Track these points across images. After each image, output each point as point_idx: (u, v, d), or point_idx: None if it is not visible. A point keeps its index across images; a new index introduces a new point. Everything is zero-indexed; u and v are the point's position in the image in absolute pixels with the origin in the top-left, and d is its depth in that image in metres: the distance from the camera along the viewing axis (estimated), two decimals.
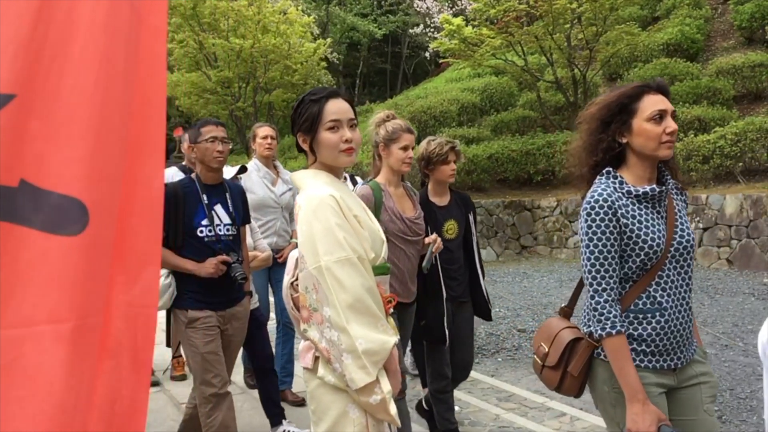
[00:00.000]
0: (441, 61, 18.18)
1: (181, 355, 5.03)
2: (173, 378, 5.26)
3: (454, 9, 24.22)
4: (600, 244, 2.04)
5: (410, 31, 28.56)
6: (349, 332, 1.88)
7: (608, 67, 15.21)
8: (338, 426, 1.96)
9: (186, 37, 16.04)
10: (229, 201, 3.34)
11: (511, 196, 12.84)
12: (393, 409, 1.94)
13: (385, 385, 1.94)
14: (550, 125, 14.52)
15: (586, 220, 2.06)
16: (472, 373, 4.96)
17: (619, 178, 2.11)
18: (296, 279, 2.03)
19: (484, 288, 3.83)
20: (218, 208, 3.28)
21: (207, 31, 16.35)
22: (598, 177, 2.14)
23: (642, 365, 2.06)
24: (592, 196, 2.06)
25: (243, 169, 4.08)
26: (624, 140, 2.11)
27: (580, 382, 2.21)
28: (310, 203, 1.98)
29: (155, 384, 5.11)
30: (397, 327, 3.22)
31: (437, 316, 3.57)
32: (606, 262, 2.04)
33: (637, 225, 2.06)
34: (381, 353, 1.92)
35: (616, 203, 2.05)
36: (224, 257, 3.18)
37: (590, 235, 2.05)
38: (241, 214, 3.42)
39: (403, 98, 20.64)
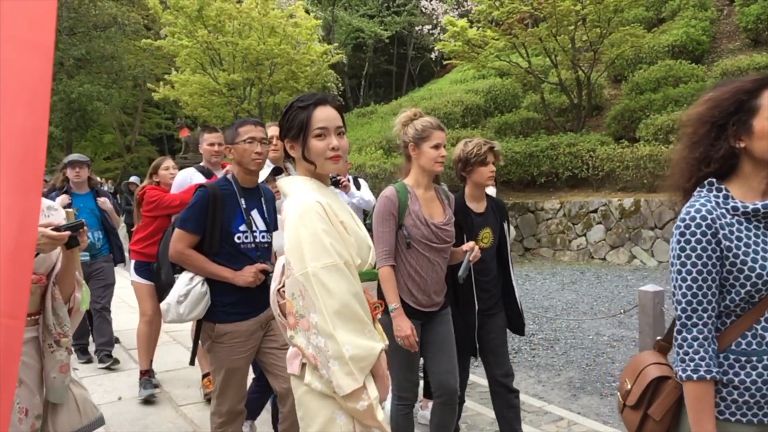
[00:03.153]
0: (446, 62, 18.17)
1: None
2: (206, 396, 4.80)
3: (459, 10, 24.22)
4: (694, 270, 1.73)
5: (416, 28, 28.57)
6: (336, 338, 1.88)
7: (613, 69, 15.18)
8: None
9: (196, 37, 16.06)
10: (264, 206, 3.16)
11: (514, 198, 12.83)
12: (380, 415, 1.94)
13: (372, 392, 1.93)
14: (554, 127, 14.51)
15: (679, 241, 1.75)
16: (471, 377, 4.97)
17: (724, 192, 1.79)
18: (283, 286, 2.04)
19: (518, 301, 3.62)
20: (254, 213, 3.09)
21: (212, 32, 16.39)
22: (697, 189, 1.82)
23: (744, 419, 1.74)
24: (688, 213, 1.75)
25: (278, 171, 3.81)
26: (741, 145, 1.77)
27: (664, 429, 1.89)
28: (297, 209, 1.98)
29: (155, 386, 5.12)
30: (427, 334, 3.14)
31: (467, 328, 3.40)
32: (700, 293, 1.73)
33: (743, 249, 1.72)
34: (368, 359, 1.92)
35: (718, 222, 1.74)
36: (263, 266, 3.01)
37: (683, 259, 1.74)
38: (273, 221, 3.25)
39: (408, 99, 20.67)
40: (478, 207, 3.48)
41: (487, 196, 3.58)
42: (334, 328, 1.88)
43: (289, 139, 2.12)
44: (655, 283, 6.90)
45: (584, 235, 11.70)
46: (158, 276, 3.47)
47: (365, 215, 5.52)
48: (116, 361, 5.66)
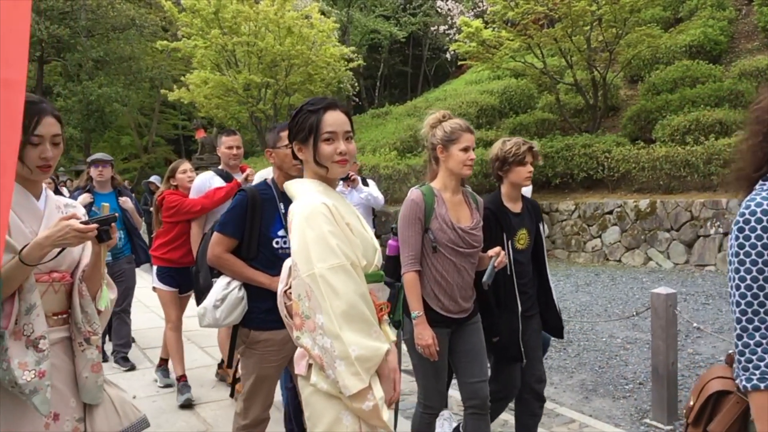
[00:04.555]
0: (460, 63, 18.15)
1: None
2: None
3: (475, 10, 24.18)
4: (755, 269, 1.59)
5: (431, 29, 28.56)
6: (342, 339, 1.90)
7: (629, 69, 15.08)
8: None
9: (211, 37, 16.18)
10: None
11: None
12: (386, 415, 1.96)
13: (378, 392, 1.95)
14: (569, 128, 14.44)
15: (738, 237, 1.62)
16: None
17: None
18: (289, 287, 2.06)
19: (556, 303, 3.54)
20: None
21: (228, 34, 16.51)
22: (760, 182, 1.71)
23: None
24: (748, 207, 1.63)
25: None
26: None
27: None
28: (303, 211, 2.01)
29: (169, 386, 5.18)
30: (457, 343, 3.09)
31: (512, 332, 3.29)
32: (762, 293, 1.58)
33: None
34: (374, 359, 1.94)
35: None
36: None
37: (741, 256, 1.61)
38: None
39: (423, 100, 20.68)
40: (514, 207, 3.41)
41: (523, 197, 3.52)
42: (341, 329, 1.90)
43: (297, 141, 2.15)
44: (669, 286, 6.86)
45: (599, 236, 11.64)
46: (196, 280, 3.45)
47: (375, 215, 5.58)
48: (132, 368, 5.72)
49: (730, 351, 1.83)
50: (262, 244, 2.94)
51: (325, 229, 1.96)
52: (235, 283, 2.93)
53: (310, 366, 2.02)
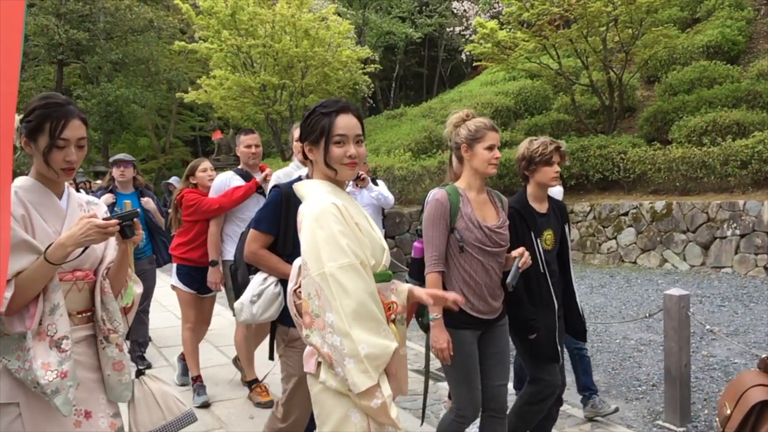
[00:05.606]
0: (476, 64, 18.11)
1: (262, 381, 4.81)
2: (258, 405, 4.70)
3: (490, 11, 24.12)
4: None
5: (447, 30, 28.52)
6: (352, 337, 1.93)
7: (645, 70, 14.99)
8: (341, 429, 2.00)
9: (227, 38, 16.28)
10: None
11: None
12: (394, 412, 1.99)
13: (386, 389, 1.98)
14: (584, 129, 14.39)
15: None
16: None
17: None
18: (299, 286, 2.10)
19: (579, 305, 3.49)
20: None
21: (244, 36, 16.62)
22: None
23: None
24: None
25: None
26: None
27: None
28: (313, 211, 2.05)
29: (185, 384, 5.23)
30: (486, 345, 3.05)
31: (549, 330, 3.24)
32: None
33: None
34: (383, 357, 1.97)
35: None
36: None
37: None
38: None
39: (438, 102, 20.67)
40: (540, 207, 3.38)
41: (549, 198, 3.49)
42: (350, 327, 1.93)
43: (309, 142, 2.20)
44: (685, 288, 6.82)
45: (615, 238, 11.58)
46: (234, 277, 3.46)
47: (384, 216, 5.62)
48: (149, 366, 5.78)
49: (764, 355, 1.81)
50: (298, 240, 2.92)
51: (336, 229, 2.00)
52: (272, 279, 2.94)
53: (319, 364, 2.05)
